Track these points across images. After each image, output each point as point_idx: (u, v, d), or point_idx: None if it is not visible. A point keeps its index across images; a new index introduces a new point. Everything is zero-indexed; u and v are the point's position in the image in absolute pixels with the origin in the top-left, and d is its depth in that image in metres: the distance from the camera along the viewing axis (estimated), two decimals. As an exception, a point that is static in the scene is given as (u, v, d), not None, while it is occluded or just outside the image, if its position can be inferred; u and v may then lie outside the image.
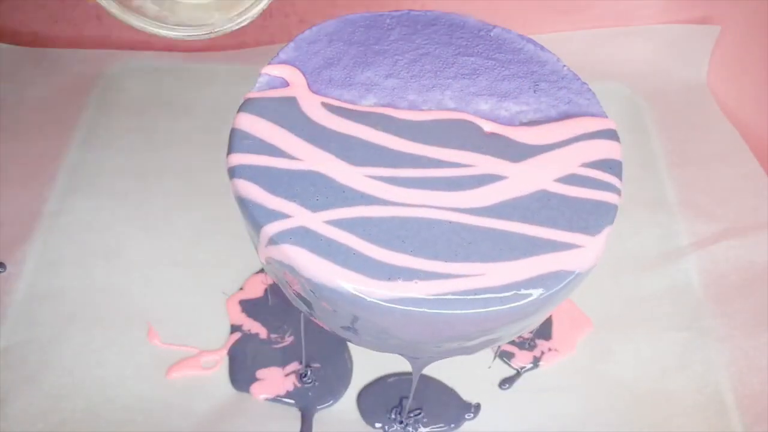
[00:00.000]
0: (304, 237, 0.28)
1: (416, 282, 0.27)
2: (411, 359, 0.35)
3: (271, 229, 0.28)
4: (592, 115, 0.33)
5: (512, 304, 0.27)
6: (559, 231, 0.29)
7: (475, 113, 0.32)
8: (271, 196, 0.29)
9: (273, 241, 0.28)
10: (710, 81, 0.62)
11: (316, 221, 0.28)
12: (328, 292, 0.28)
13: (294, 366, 0.44)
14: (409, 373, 0.37)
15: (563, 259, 0.28)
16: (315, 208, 0.29)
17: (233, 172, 0.30)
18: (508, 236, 0.29)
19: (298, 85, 0.33)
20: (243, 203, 0.29)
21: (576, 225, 0.29)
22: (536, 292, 0.27)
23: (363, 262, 0.27)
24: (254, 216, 0.29)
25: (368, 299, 0.27)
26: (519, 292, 0.27)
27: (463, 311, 0.27)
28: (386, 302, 0.27)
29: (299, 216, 0.28)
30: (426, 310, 0.27)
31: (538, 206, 0.29)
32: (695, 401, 0.43)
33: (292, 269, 0.29)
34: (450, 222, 0.29)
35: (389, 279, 0.27)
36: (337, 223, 0.28)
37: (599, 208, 0.30)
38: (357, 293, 0.27)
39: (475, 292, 0.27)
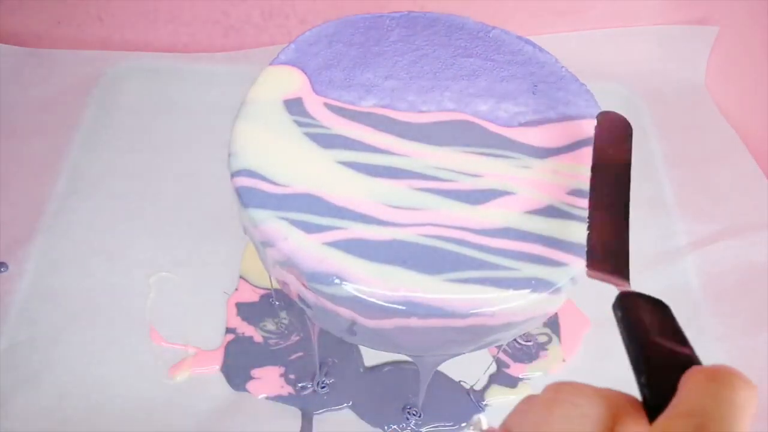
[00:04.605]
0: (301, 260, 0.27)
1: (414, 319, 0.27)
2: (417, 360, 0.35)
3: (271, 253, 0.28)
4: (591, 117, 0.33)
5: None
6: (561, 252, 0.28)
7: (474, 114, 0.33)
8: (270, 218, 0.28)
9: (274, 262, 0.29)
10: (708, 82, 0.62)
11: (314, 243, 0.27)
12: (322, 315, 0.28)
13: (306, 377, 0.44)
14: (395, 363, 0.36)
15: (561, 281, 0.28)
16: (311, 230, 0.28)
17: (237, 193, 0.29)
18: (517, 256, 0.28)
19: (303, 86, 0.33)
20: (245, 222, 0.30)
21: (573, 247, 0.29)
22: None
23: (358, 292, 0.27)
24: (253, 237, 0.29)
25: (362, 325, 0.27)
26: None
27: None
28: (381, 329, 0.27)
29: (296, 238, 0.28)
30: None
31: (543, 225, 0.29)
32: (693, 400, 0.43)
33: (289, 289, 0.29)
34: (458, 242, 0.28)
35: (384, 317, 0.27)
36: (336, 245, 0.27)
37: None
38: (352, 319, 0.28)
39: (477, 326, 0.27)
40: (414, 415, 0.42)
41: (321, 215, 0.28)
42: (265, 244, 0.28)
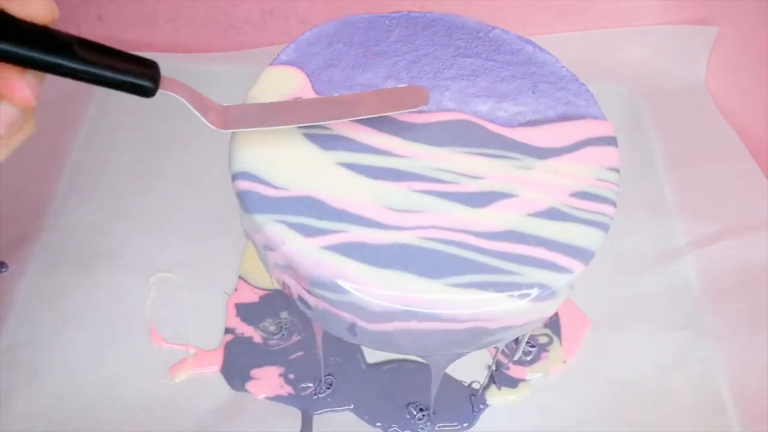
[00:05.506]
0: (300, 264, 0.27)
1: (414, 322, 0.27)
2: (427, 359, 0.35)
3: (271, 256, 0.28)
4: (591, 116, 0.33)
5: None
6: (559, 255, 0.28)
7: (474, 114, 0.32)
8: (269, 221, 0.28)
9: (274, 265, 0.29)
10: (708, 82, 0.62)
11: (314, 247, 0.27)
12: (323, 317, 0.29)
13: (307, 378, 0.44)
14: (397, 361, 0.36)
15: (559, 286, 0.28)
16: (311, 233, 0.27)
17: (237, 196, 0.29)
18: (519, 260, 0.27)
19: (303, 86, 0.33)
20: (245, 225, 0.29)
21: (574, 250, 0.28)
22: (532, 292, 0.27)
23: (358, 296, 0.26)
24: (253, 240, 0.29)
25: (363, 327, 0.27)
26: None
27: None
28: (381, 331, 0.27)
29: (295, 242, 0.27)
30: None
31: (545, 228, 0.29)
32: (693, 400, 0.43)
33: (290, 291, 0.29)
34: (459, 245, 0.28)
35: (384, 320, 0.27)
36: (335, 248, 0.27)
37: (597, 225, 0.29)
38: (353, 322, 0.28)
39: (477, 329, 0.27)
40: (423, 416, 0.42)
41: (321, 218, 0.28)
42: (265, 248, 0.28)
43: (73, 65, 0.25)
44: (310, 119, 0.30)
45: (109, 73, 0.26)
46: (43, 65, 0.24)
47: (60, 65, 0.24)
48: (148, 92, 0.28)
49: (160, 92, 0.28)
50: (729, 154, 0.56)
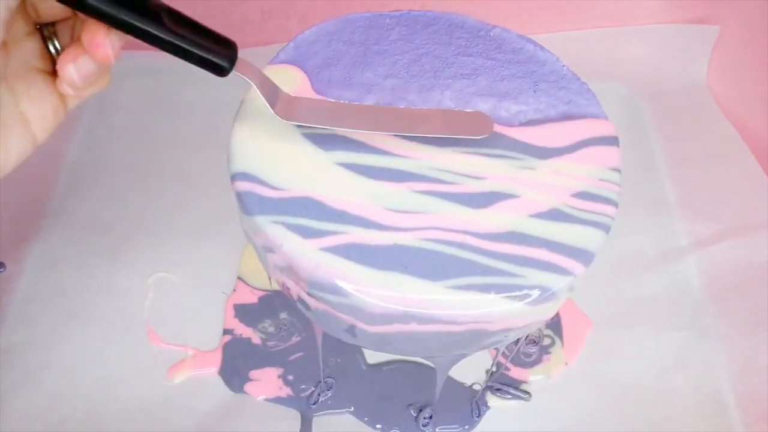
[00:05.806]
0: (299, 266, 0.27)
1: (414, 324, 0.26)
2: (432, 360, 0.35)
3: (271, 258, 0.28)
4: (592, 116, 0.33)
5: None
6: (561, 256, 0.28)
7: (475, 113, 0.32)
8: (268, 223, 0.27)
9: (273, 267, 0.28)
10: (709, 81, 0.62)
11: (313, 249, 0.27)
12: (323, 318, 0.28)
13: (306, 379, 0.43)
14: (398, 362, 0.36)
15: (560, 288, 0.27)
16: (310, 235, 0.27)
17: (236, 197, 0.29)
18: (521, 261, 0.27)
19: (302, 85, 0.32)
20: (244, 226, 0.29)
21: (575, 252, 0.28)
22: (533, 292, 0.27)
23: (358, 299, 0.26)
24: (252, 241, 0.29)
25: (362, 329, 0.27)
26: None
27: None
28: (381, 333, 0.27)
29: (294, 243, 0.27)
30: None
31: (546, 229, 0.28)
32: (695, 400, 0.43)
33: (289, 292, 0.29)
34: (460, 246, 0.27)
35: (384, 323, 0.27)
36: (335, 250, 0.27)
37: (598, 226, 0.29)
38: (352, 324, 0.27)
39: (477, 330, 0.27)
40: (424, 417, 0.41)
41: (320, 219, 0.28)
42: (264, 249, 0.28)
43: (159, 34, 0.25)
44: (373, 127, 0.30)
45: (190, 47, 0.27)
46: (131, 29, 0.25)
47: (145, 32, 0.25)
48: (222, 71, 0.28)
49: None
50: (730, 153, 0.56)
